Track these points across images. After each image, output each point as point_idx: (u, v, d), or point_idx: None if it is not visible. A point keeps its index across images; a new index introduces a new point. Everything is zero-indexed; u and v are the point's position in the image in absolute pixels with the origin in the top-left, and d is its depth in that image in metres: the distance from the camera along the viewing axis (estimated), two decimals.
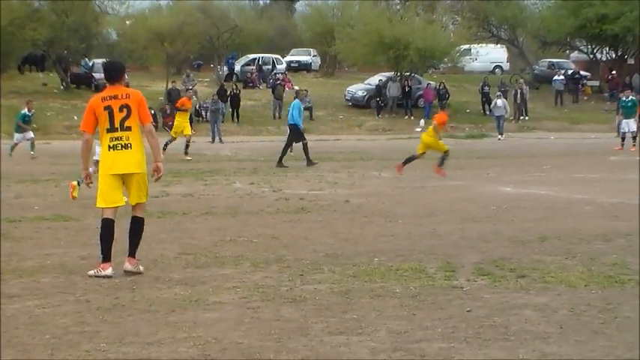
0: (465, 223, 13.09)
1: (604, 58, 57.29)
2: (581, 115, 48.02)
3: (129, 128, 9.12)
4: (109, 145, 9.14)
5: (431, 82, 48.96)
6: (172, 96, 42.47)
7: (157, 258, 10.05)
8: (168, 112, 40.29)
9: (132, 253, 9.24)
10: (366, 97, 48.51)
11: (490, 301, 7.86)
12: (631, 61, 55.48)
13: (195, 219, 13.74)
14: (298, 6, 75.75)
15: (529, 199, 16.30)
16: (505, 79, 51.51)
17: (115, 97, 9.17)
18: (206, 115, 42.57)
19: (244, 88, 49.95)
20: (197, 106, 41.26)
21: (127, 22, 54.41)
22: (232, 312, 7.53)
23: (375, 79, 49.83)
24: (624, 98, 31.87)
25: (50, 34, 46.55)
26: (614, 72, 52.92)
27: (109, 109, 9.12)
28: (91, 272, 9.06)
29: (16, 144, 28.83)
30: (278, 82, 48.16)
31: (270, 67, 56.14)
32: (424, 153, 21.97)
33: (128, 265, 9.17)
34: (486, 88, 47.94)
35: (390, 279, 8.85)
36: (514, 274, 9.02)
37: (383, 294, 8.18)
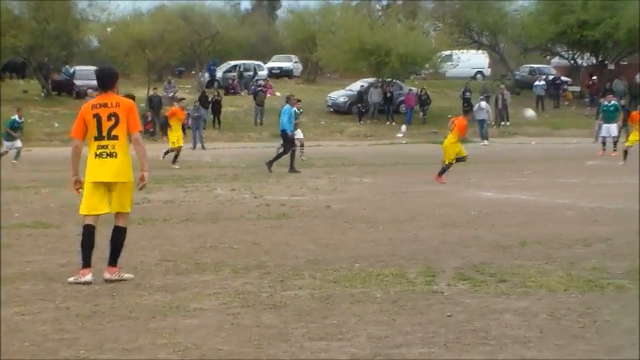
0: (446, 228, 13.12)
1: (585, 64, 57.58)
2: (562, 120, 48.27)
3: (115, 137, 9.10)
4: (95, 153, 9.12)
5: (412, 88, 49.12)
6: (153, 102, 42.51)
7: (137, 265, 10.01)
8: (149, 118, 40.29)
9: (112, 262, 9.23)
10: (348, 103, 48.60)
11: (470, 306, 7.88)
12: (611, 67, 55.81)
13: (176, 225, 13.71)
14: (280, 12, 76.03)
15: (510, 204, 16.36)
16: (487, 84, 51.72)
17: (105, 105, 9.15)
18: (187, 122, 42.47)
19: (226, 94, 50.02)
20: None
21: (108, 29, 54.31)
22: (212, 318, 7.52)
23: (356, 85, 49.88)
24: (606, 103, 31.97)
25: (31, 41, 46.29)
26: (594, 77, 53.28)
27: (97, 116, 9.11)
28: (71, 279, 9.05)
29: (6, 151, 28.57)
30: (259, 88, 48.09)
31: (251, 73, 56.09)
32: (454, 159, 21.28)
33: (107, 275, 9.16)
34: (468, 93, 48.05)
35: (370, 284, 8.85)
36: (494, 279, 9.04)
37: (363, 299, 8.19)
